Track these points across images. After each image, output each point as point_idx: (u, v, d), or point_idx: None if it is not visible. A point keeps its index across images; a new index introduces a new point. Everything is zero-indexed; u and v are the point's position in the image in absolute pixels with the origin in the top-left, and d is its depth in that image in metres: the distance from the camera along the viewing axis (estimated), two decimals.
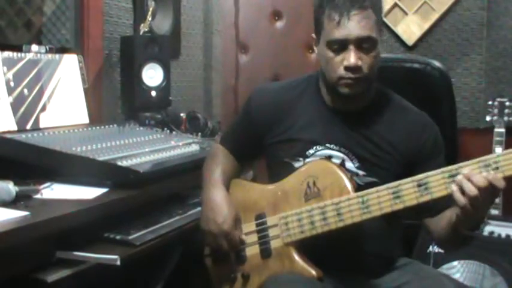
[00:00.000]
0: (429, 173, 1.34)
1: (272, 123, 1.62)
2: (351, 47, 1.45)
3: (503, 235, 2.51)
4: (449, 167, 1.33)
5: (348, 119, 1.56)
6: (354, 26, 1.44)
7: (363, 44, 1.46)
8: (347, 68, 1.46)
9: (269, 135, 1.62)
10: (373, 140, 1.54)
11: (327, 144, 1.55)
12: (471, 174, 1.27)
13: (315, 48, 1.59)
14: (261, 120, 1.63)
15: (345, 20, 1.44)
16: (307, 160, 1.56)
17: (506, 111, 2.80)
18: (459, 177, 1.28)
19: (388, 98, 1.61)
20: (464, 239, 1.44)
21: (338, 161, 1.54)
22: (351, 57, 1.45)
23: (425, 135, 1.56)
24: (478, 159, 1.30)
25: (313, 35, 1.56)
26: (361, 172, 1.53)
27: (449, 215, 1.43)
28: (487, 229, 2.53)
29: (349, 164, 1.54)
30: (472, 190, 1.26)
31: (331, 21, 1.46)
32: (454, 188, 1.29)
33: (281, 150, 1.60)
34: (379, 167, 1.53)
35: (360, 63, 1.46)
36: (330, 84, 1.53)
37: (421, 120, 1.59)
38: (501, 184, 1.26)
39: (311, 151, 1.56)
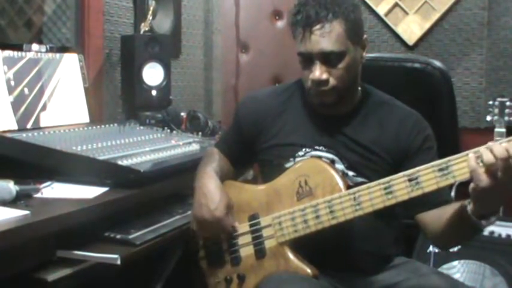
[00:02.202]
0: (420, 168, 1.35)
1: (260, 130, 1.65)
2: (316, 61, 1.48)
3: (503, 235, 2.51)
4: (439, 161, 1.34)
5: (335, 122, 1.58)
6: (316, 40, 1.46)
7: (329, 57, 1.47)
8: (313, 81, 1.49)
9: (259, 141, 1.65)
10: (361, 143, 1.56)
11: (316, 147, 1.57)
12: (493, 145, 1.23)
13: None
14: (249, 128, 1.67)
15: (307, 34, 1.46)
16: (298, 160, 1.57)
17: (507, 111, 2.79)
18: (481, 148, 1.25)
19: (375, 98, 1.62)
20: (473, 229, 1.35)
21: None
22: (315, 72, 1.48)
23: (414, 133, 1.56)
24: (466, 152, 1.30)
25: None
26: (350, 173, 1.55)
27: (454, 207, 1.39)
28: (488, 229, 2.53)
29: (338, 165, 1.55)
30: (490, 158, 1.21)
31: (298, 34, 1.49)
32: (470, 155, 1.25)
33: (271, 155, 1.63)
34: (369, 168, 1.54)
35: (324, 76, 1.48)
36: (307, 93, 1.57)
37: (409, 118, 1.59)
38: None
39: (300, 153, 1.58)
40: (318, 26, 1.45)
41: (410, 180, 1.35)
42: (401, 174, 1.37)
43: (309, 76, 1.50)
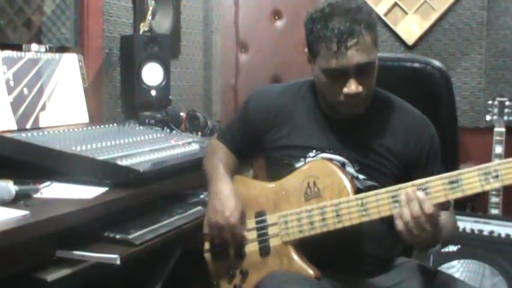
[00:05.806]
0: (430, 178, 1.33)
1: (270, 127, 1.62)
2: (351, 75, 1.44)
3: (503, 235, 2.51)
4: (450, 173, 1.32)
5: (346, 125, 1.56)
6: (352, 54, 1.41)
7: (363, 69, 1.44)
8: (347, 95, 1.45)
9: (267, 138, 1.63)
10: (372, 146, 1.55)
11: (327, 150, 1.56)
12: (413, 206, 1.30)
13: (309, 62, 1.54)
14: (258, 122, 1.64)
15: (343, 50, 1.41)
16: (308, 160, 1.56)
17: (506, 110, 2.81)
18: (402, 210, 1.31)
19: (386, 101, 1.61)
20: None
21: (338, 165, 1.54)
22: (352, 86, 1.44)
23: (424, 139, 1.56)
24: (478, 167, 1.29)
25: (306, 50, 1.53)
26: (361, 176, 1.54)
27: None
28: (487, 228, 2.54)
29: (349, 168, 1.54)
30: (408, 219, 1.30)
31: (328, 50, 1.42)
32: (394, 212, 1.33)
33: (281, 154, 1.61)
34: (379, 172, 1.54)
35: (360, 89, 1.45)
36: (329, 104, 1.54)
37: (419, 123, 1.59)
38: (430, 209, 1.28)
39: (311, 154, 1.57)
40: (353, 41, 1.40)
41: (419, 190, 1.33)
42: (410, 183, 1.35)
43: (343, 90, 1.45)
